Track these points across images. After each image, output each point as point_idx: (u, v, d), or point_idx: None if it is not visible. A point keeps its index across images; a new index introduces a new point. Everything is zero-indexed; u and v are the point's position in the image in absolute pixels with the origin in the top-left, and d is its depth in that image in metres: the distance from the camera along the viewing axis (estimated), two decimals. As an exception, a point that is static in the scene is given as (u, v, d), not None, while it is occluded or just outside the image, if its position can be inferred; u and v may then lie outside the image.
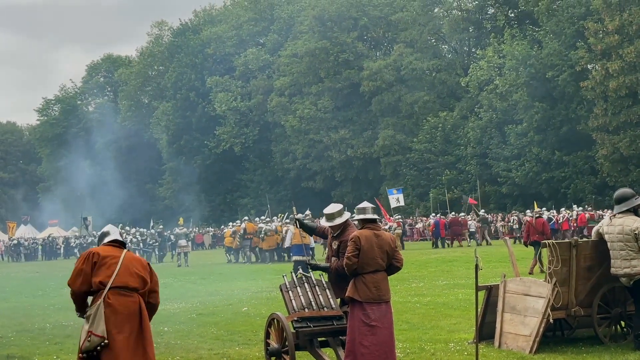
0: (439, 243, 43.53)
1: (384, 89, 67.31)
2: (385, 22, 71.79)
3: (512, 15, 67.39)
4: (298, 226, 10.58)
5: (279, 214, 49.16)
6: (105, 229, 7.79)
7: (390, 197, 52.78)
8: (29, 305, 20.34)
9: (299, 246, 22.21)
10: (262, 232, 36.55)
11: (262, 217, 44.30)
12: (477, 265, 8.34)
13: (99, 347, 7.07)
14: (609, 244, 10.54)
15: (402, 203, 51.39)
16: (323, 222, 9.76)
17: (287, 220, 38.55)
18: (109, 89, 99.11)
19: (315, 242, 30.81)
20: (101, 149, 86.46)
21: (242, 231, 37.73)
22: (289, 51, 72.48)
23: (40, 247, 63.93)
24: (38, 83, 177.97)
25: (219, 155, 77.43)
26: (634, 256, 10.34)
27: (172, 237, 45.55)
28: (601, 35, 51.49)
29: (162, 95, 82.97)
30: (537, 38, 59.19)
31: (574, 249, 10.59)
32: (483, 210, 52.44)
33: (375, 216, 9.09)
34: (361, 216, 9.05)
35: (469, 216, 48.28)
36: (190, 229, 60.10)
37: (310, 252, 23.61)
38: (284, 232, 35.32)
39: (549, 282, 10.49)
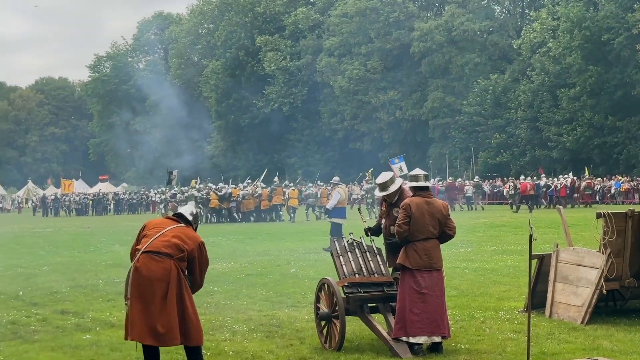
0: None
1: (434, 50, 66.60)
2: (437, -18, 70.91)
3: (568, -25, 65.94)
4: (369, 234, 9.85)
5: (257, 179, 49.26)
6: (187, 207, 8.01)
7: (393, 167, 52.56)
8: (81, 261, 20.70)
9: (342, 209, 22.22)
10: (240, 197, 40.87)
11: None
12: (531, 236, 8.21)
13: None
14: None
15: (405, 171, 51.13)
16: (377, 193, 9.70)
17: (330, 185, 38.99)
18: (159, 46, 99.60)
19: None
20: (151, 106, 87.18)
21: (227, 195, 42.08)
22: (339, 11, 71.94)
23: (90, 202, 64.76)
24: (90, 39, 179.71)
25: (267, 114, 77.50)
26: None
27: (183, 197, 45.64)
28: (660, -2, 50.21)
29: (212, 54, 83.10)
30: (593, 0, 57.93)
31: (629, 220, 10.40)
32: (477, 177, 52.34)
33: (428, 183, 8.99)
34: (413, 184, 8.97)
35: (467, 181, 48.86)
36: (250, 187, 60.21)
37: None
38: (318, 193, 39.49)
39: (603, 253, 10.33)
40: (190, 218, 7.72)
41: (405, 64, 70.25)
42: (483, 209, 45.20)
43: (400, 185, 9.48)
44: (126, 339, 7.36)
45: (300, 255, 20.58)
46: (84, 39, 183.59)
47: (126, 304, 7.31)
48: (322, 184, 49.44)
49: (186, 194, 44.50)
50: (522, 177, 49.08)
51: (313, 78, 75.20)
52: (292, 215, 40.42)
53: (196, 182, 51.85)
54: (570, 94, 56.64)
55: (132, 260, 7.44)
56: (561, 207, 11.67)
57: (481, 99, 63.67)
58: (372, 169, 55.73)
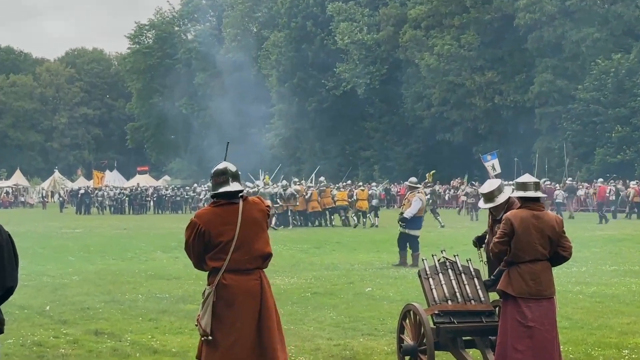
0: None
1: (543, 23, 65.81)
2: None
3: None
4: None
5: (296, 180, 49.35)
6: (220, 167, 7.60)
7: (485, 164, 52.22)
8: (117, 270, 21.06)
9: (419, 219, 22.13)
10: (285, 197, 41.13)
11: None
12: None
13: (203, 339, 7.34)
14: None
15: (498, 170, 50.83)
16: (481, 204, 9.64)
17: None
18: (211, 13, 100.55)
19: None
20: (200, 85, 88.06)
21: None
22: (428, -26, 71.78)
23: (127, 198, 65.72)
24: (130, 5, 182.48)
25: (338, 97, 77.69)
26: None
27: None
28: None
29: (274, 24, 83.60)
30: None
31: None
32: (570, 178, 51.68)
33: (539, 194, 8.88)
34: (520, 193, 8.87)
35: (558, 185, 48.53)
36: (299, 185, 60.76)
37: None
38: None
39: None
40: (240, 187, 7.57)
41: (507, 39, 69.60)
42: (572, 218, 45.53)
43: (510, 197, 9.40)
44: None
45: (377, 271, 20.59)
46: (123, 5, 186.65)
47: (196, 325, 7.38)
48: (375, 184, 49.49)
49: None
50: (599, 180, 48.73)
51: (394, 54, 75.06)
52: (362, 220, 40.80)
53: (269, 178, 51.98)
54: None
55: (198, 268, 7.57)
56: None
57: (600, 83, 62.66)
58: (434, 171, 55.78)
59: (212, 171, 7.63)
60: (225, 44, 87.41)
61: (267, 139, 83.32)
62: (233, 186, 7.49)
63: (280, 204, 40.58)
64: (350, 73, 75.74)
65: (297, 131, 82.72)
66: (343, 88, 76.42)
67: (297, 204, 41.35)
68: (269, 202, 7.81)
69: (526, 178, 9.03)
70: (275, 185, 45.27)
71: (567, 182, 50.79)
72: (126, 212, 63.49)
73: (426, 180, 52.62)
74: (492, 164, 51.41)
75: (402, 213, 22.16)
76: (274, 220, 38.83)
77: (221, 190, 7.49)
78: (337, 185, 49.19)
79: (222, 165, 7.62)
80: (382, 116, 78.42)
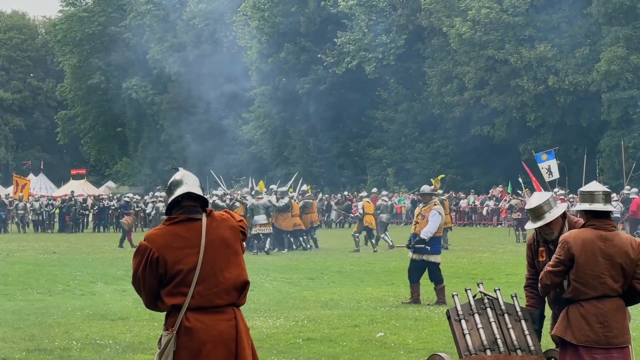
0: None
1: (613, -23, 66.03)
2: None
3: None
4: None
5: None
6: (176, 177, 7.74)
7: (539, 165, 52.16)
8: (44, 308, 20.97)
9: (438, 240, 21.98)
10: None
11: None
12: None
13: None
14: None
15: (556, 175, 50.81)
16: (528, 225, 9.63)
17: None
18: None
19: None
20: (157, 61, 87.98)
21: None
22: None
23: (57, 211, 65.48)
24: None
25: (340, 77, 77.61)
26: None
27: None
28: None
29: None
30: None
31: None
32: (628, 187, 51.59)
33: (609, 207, 8.87)
34: (585, 206, 8.86)
35: (616, 195, 49.05)
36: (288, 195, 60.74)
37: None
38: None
39: None
40: (201, 193, 7.63)
41: (564, 1, 69.68)
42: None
43: (565, 213, 9.40)
44: None
45: (391, 310, 20.55)
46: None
47: None
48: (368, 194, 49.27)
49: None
50: (628, 188, 48.66)
51: (415, 20, 75.08)
52: (372, 241, 40.76)
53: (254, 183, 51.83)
54: None
55: (151, 308, 7.63)
56: None
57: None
58: (442, 175, 55.81)
59: (167, 185, 7.76)
60: (190, 5, 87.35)
61: (244, 133, 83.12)
62: (191, 187, 7.55)
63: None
64: (356, 45, 75.69)
65: (284, 122, 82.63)
66: (346, 65, 76.32)
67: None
68: (241, 217, 7.77)
69: (593, 186, 9.02)
70: (273, 193, 44.92)
71: (624, 191, 50.54)
72: (55, 230, 63.23)
73: (432, 187, 52.64)
74: (548, 165, 51.32)
75: (415, 233, 22.02)
76: (267, 243, 38.98)
77: (178, 193, 7.55)
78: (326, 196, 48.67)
79: (178, 175, 7.74)
80: (399, 102, 78.39)
